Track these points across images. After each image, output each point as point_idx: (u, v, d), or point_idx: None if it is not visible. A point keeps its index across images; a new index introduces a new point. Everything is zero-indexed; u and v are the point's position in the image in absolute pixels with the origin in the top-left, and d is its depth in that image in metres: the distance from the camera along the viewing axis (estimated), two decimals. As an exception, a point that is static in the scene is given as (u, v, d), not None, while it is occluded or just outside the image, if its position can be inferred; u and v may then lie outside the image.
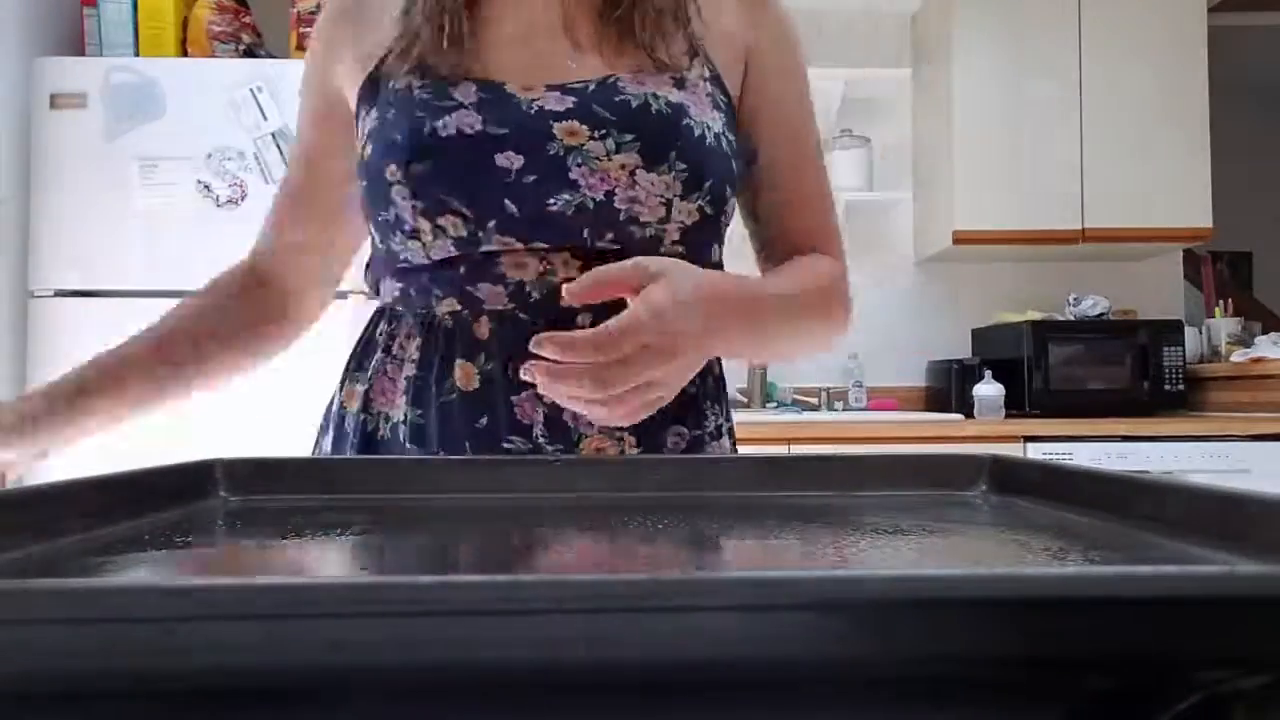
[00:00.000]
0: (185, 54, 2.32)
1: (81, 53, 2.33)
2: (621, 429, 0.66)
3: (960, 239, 2.64)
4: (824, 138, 2.92)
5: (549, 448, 0.65)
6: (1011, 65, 2.67)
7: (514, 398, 0.65)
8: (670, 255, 0.68)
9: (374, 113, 0.69)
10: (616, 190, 0.65)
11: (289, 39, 2.40)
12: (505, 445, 0.65)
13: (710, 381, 0.74)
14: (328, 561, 0.36)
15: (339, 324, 0.73)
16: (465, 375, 0.66)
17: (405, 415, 0.68)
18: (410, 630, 0.20)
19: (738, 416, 2.75)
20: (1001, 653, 0.21)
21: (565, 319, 0.65)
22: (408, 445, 0.67)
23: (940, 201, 2.76)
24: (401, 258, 0.69)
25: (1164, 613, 0.21)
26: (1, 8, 2.24)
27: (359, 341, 0.75)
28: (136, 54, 2.29)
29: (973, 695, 0.22)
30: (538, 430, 0.65)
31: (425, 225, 0.66)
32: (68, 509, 0.39)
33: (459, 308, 0.67)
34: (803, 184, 0.77)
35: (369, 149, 0.68)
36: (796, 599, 0.20)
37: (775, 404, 2.87)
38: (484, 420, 0.65)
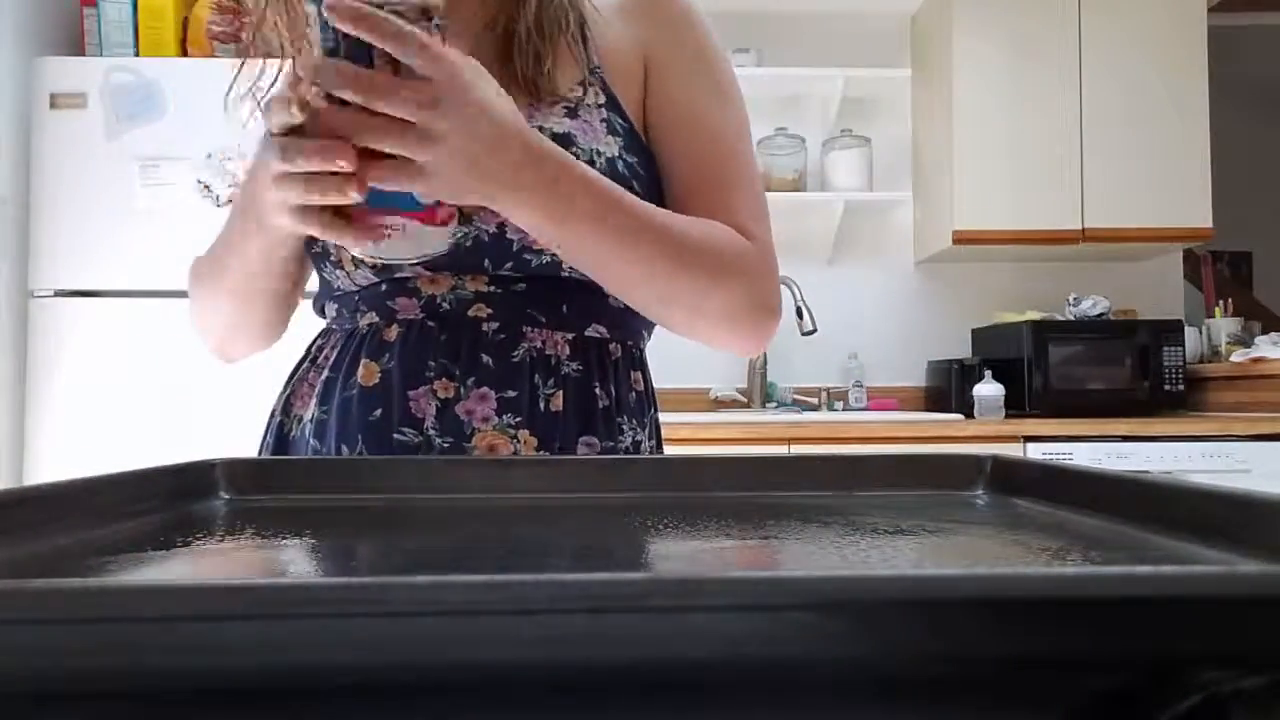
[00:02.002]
0: (185, 54, 2.32)
1: (81, 53, 2.33)
2: (515, 425, 0.67)
3: (960, 239, 2.64)
4: (824, 138, 2.93)
5: (439, 441, 0.66)
6: (1011, 65, 2.67)
7: (410, 393, 0.67)
8: (570, 280, 0.70)
9: None
10: (507, 223, 0.66)
11: (289, 39, 2.40)
12: (396, 436, 0.66)
13: (632, 396, 0.74)
14: (328, 561, 0.36)
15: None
16: (368, 373, 0.69)
17: (313, 414, 0.71)
18: (410, 630, 0.20)
19: (738, 416, 2.73)
20: (1001, 653, 0.21)
21: (470, 328, 0.69)
22: (310, 441, 0.70)
23: (940, 201, 2.76)
24: (334, 286, 0.74)
25: (1164, 612, 0.21)
26: (1, 8, 2.24)
27: (299, 361, 0.79)
28: (136, 54, 2.29)
29: (973, 695, 0.22)
30: (429, 423, 0.66)
31: (346, 255, 0.71)
32: (68, 509, 0.39)
33: (376, 319, 0.71)
34: (710, 188, 0.72)
35: None
36: (796, 599, 0.20)
37: (775, 404, 2.88)
38: (378, 413, 0.67)
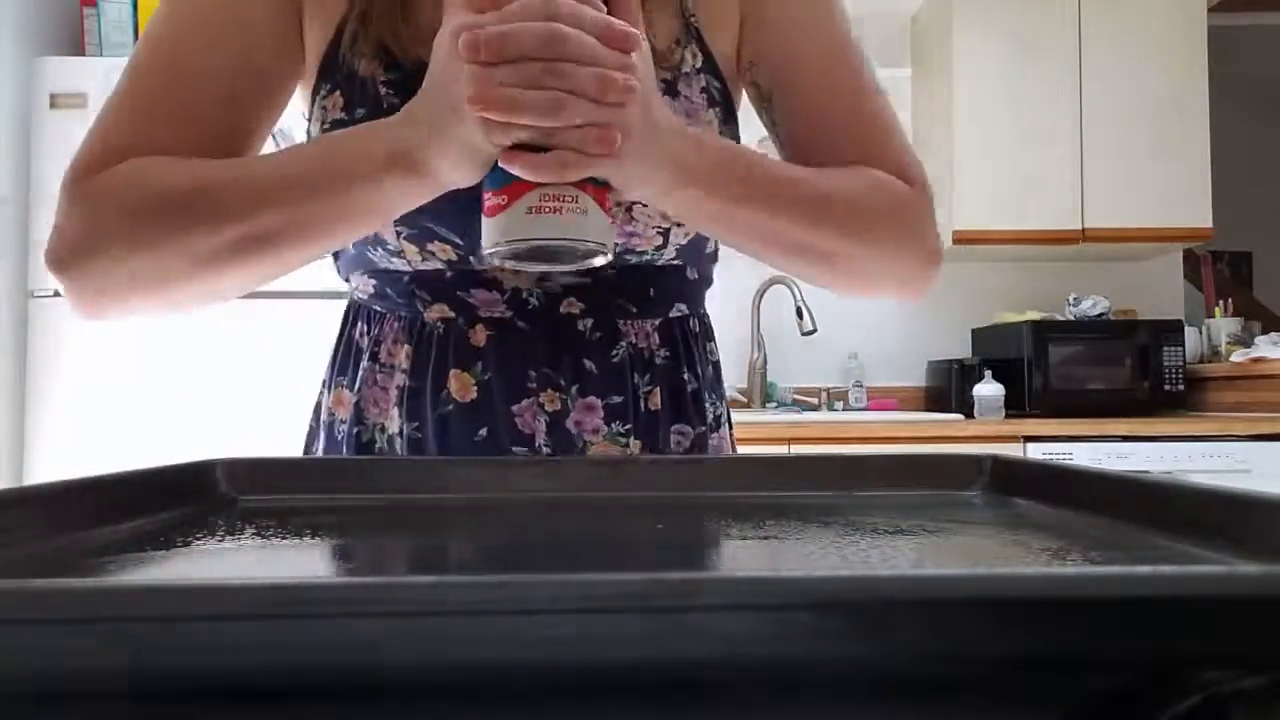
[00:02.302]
0: (185, 54, 2.32)
1: (81, 53, 2.33)
2: (624, 433, 0.65)
3: (960, 239, 2.64)
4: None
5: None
6: (1011, 65, 2.67)
7: (514, 407, 0.63)
8: (665, 266, 0.67)
9: (338, 97, 0.62)
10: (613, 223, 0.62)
11: (289, 39, 2.40)
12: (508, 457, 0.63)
13: (710, 370, 0.72)
14: (328, 561, 0.36)
15: (337, 323, 0.72)
16: (461, 386, 0.63)
17: (401, 428, 0.65)
18: (410, 630, 0.20)
19: (738, 416, 2.75)
20: (1001, 653, 0.21)
21: (565, 328, 0.64)
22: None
23: (940, 201, 2.75)
24: (379, 265, 0.65)
25: (1164, 613, 0.21)
26: (1, 8, 2.24)
27: (339, 342, 0.71)
28: (136, 54, 2.29)
29: (973, 695, 0.22)
30: (540, 440, 0.63)
31: (411, 248, 0.62)
32: (68, 509, 0.39)
33: (451, 314, 0.64)
34: (843, 118, 0.66)
35: None
36: (796, 599, 0.20)
37: (775, 404, 2.88)
38: (483, 432, 0.63)
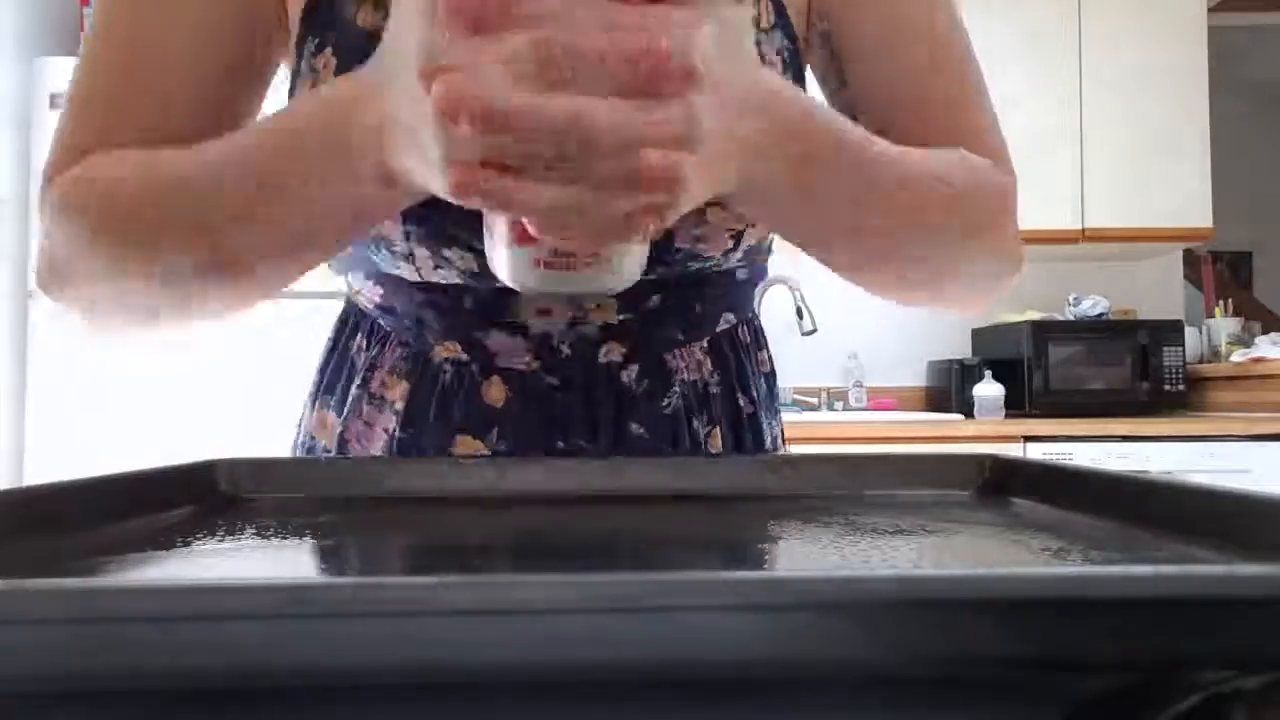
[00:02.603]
0: (185, 54, 2.32)
1: (81, 53, 2.33)
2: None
3: (960, 239, 2.64)
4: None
5: None
6: (1011, 64, 2.66)
7: None
8: (727, 273, 0.57)
9: (329, 56, 0.51)
10: (680, 228, 0.50)
11: (289, 39, 2.40)
12: None
13: (763, 384, 0.62)
14: (328, 561, 0.36)
15: (332, 325, 0.71)
16: (470, 453, 0.54)
17: None
18: (410, 630, 0.20)
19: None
20: (1001, 653, 0.21)
21: (606, 383, 0.54)
22: None
23: (940, 201, 2.75)
24: (384, 270, 0.55)
25: (1164, 613, 0.21)
26: (1, 8, 2.24)
27: (327, 354, 0.61)
28: (136, 54, 2.29)
29: (973, 695, 0.22)
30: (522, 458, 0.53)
31: (423, 253, 0.51)
32: (68, 509, 0.39)
33: (463, 357, 0.54)
34: (929, 96, 0.55)
35: None
36: (796, 599, 0.20)
37: (775, 404, 2.87)
38: None
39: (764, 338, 0.63)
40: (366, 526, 0.43)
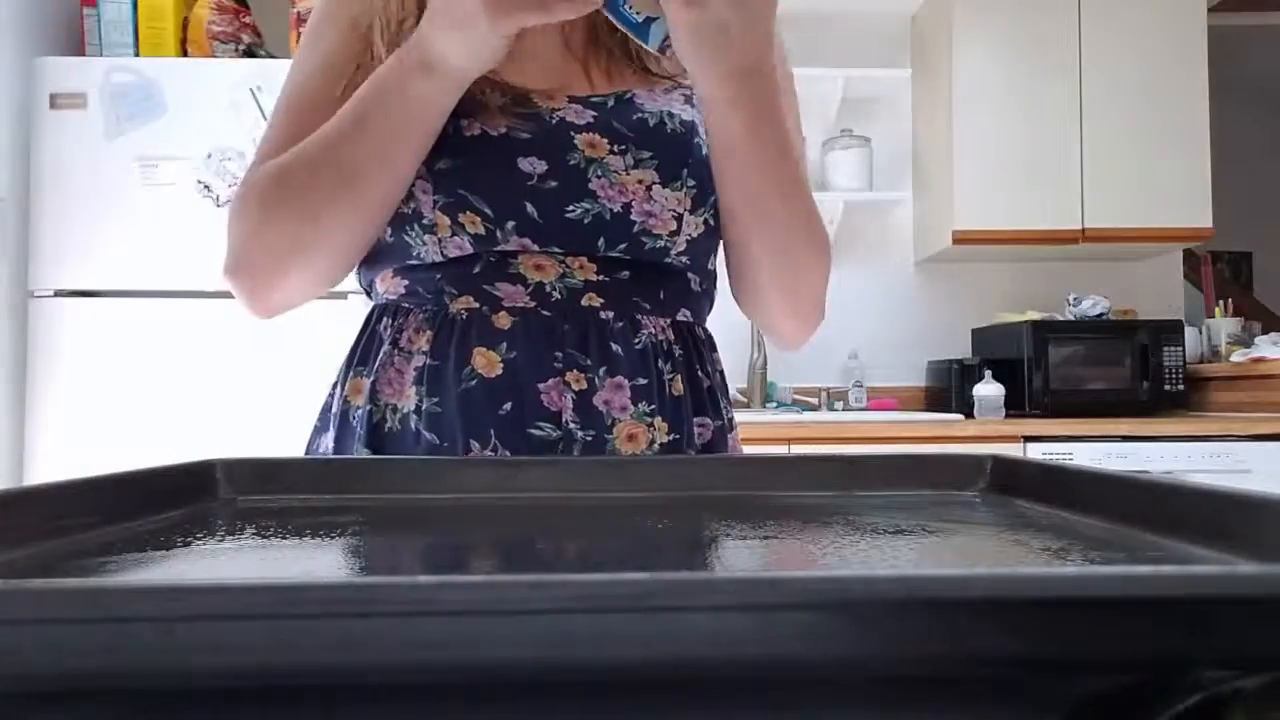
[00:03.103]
0: (185, 54, 2.32)
1: (81, 53, 2.33)
2: (650, 413, 0.67)
3: (960, 239, 2.64)
4: (824, 138, 2.93)
5: (579, 434, 0.65)
6: (1011, 65, 2.67)
7: (540, 385, 0.65)
8: (675, 266, 0.71)
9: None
10: (633, 203, 0.67)
11: (289, 39, 2.40)
12: (534, 431, 0.64)
13: (718, 375, 0.76)
14: (328, 561, 0.36)
15: (338, 324, 0.72)
16: (487, 362, 0.65)
17: (418, 404, 0.66)
18: (410, 630, 0.20)
19: (738, 416, 2.74)
20: (1001, 653, 0.21)
21: (589, 317, 0.67)
22: (425, 434, 0.65)
23: (940, 201, 2.76)
24: (413, 253, 0.68)
25: (1164, 613, 0.21)
26: (1, 8, 2.24)
27: (359, 337, 0.73)
28: (136, 54, 2.29)
29: (973, 695, 0.22)
30: (568, 416, 0.65)
31: (444, 220, 0.66)
32: (68, 509, 0.39)
33: (476, 304, 0.67)
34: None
35: None
36: (796, 599, 0.20)
37: (775, 404, 2.88)
38: (508, 406, 0.64)
39: (715, 346, 0.78)
40: (366, 526, 0.43)
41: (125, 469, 0.45)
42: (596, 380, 0.66)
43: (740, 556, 0.37)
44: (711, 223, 0.71)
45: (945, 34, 2.72)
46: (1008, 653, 0.21)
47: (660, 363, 0.69)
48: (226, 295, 2.09)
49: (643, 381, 0.68)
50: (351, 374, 0.71)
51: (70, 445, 2.12)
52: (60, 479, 0.40)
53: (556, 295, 0.67)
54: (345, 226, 0.65)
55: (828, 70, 2.76)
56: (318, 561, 0.36)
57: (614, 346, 0.67)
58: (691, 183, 0.69)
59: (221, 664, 0.20)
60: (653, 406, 0.67)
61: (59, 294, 2.14)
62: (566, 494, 0.51)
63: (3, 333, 2.20)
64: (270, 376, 2.07)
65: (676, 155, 0.68)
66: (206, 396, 2.11)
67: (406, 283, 0.70)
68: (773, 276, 0.70)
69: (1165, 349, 2.53)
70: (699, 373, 0.72)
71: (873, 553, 0.35)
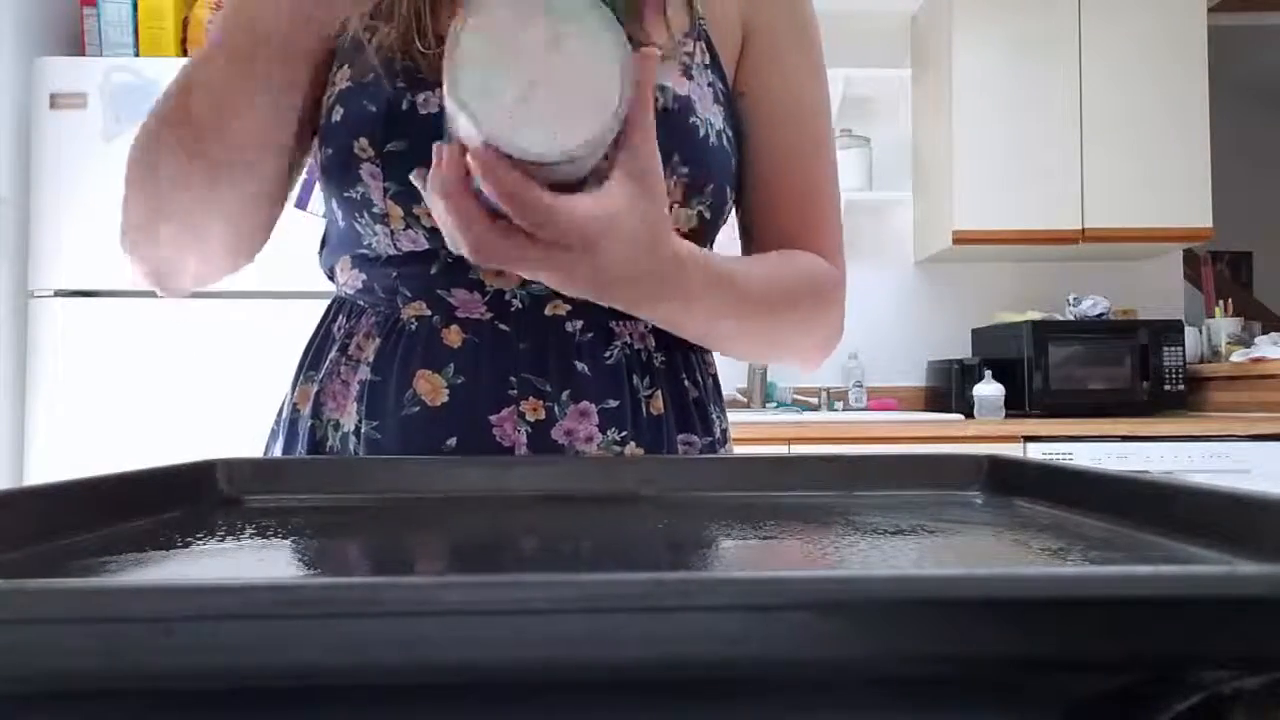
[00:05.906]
0: (185, 54, 2.32)
1: (81, 53, 2.33)
2: (621, 440, 0.61)
3: (960, 239, 2.65)
4: (824, 138, 2.93)
5: None
6: (1011, 65, 2.67)
7: (491, 417, 0.58)
8: None
9: (348, 70, 0.61)
10: None
11: (289, 39, 2.40)
12: None
13: (710, 381, 0.69)
14: (328, 561, 0.36)
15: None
16: (431, 388, 0.59)
17: (357, 425, 0.60)
18: (410, 630, 0.20)
19: (738, 416, 2.75)
20: (1001, 653, 0.21)
21: (552, 330, 0.60)
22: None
23: (940, 201, 2.76)
24: (364, 242, 0.62)
25: (1164, 613, 0.21)
26: (1, 8, 2.24)
27: (315, 333, 0.68)
28: (136, 54, 2.29)
29: (973, 695, 0.22)
30: (522, 452, 0.58)
31: (395, 211, 0.59)
32: (68, 509, 0.39)
33: (427, 312, 0.61)
34: (803, 177, 0.69)
35: (338, 111, 0.59)
36: (796, 599, 0.20)
37: (775, 404, 2.88)
38: (453, 441, 0.58)
39: (710, 350, 0.73)
40: (367, 526, 0.43)
41: (125, 469, 0.45)
42: (557, 409, 0.59)
43: (740, 557, 0.37)
44: (708, 216, 0.63)
45: (945, 34, 2.72)
46: (1008, 653, 0.21)
47: (636, 379, 0.62)
48: (227, 295, 2.09)
49: (613, 404, 0.61)
50: (303, 377, 0.67)
51: (70, 445, 2.12)
52: (60, 479, 0.40)
53: (517, 304, 0.60)
54: (213, 206, 0.59)
55: (828, 70, 2.76)
56: (317, 561, 0.36)
57: (579, 365, 0.60)
58: (684, 169, 0.60)
59: (221, 664, 0.20)
60: (624, 433, 0.61)
61: (59, 294, 2.14)
62: (566, 494, 0.51)
63: (3, 333, 2.20)
64: (270, 376, 2.07)
65: (666, 137, 0.58)
66: (206, 396, 2.11)
67: (364, 277, 0.63)
68: (777, 361, 0.71)
69: (1165, 349, 2.53)
70: (685, 383, 0.66)
71: (873, 553, 0.35)
